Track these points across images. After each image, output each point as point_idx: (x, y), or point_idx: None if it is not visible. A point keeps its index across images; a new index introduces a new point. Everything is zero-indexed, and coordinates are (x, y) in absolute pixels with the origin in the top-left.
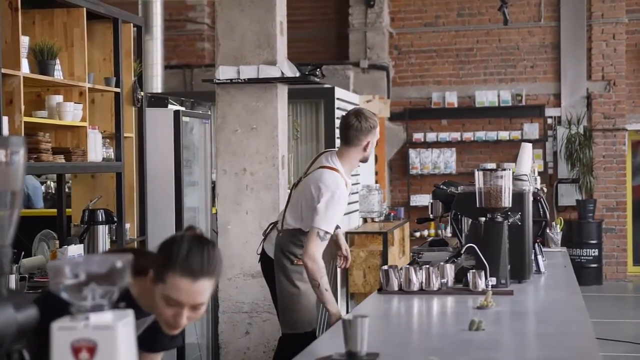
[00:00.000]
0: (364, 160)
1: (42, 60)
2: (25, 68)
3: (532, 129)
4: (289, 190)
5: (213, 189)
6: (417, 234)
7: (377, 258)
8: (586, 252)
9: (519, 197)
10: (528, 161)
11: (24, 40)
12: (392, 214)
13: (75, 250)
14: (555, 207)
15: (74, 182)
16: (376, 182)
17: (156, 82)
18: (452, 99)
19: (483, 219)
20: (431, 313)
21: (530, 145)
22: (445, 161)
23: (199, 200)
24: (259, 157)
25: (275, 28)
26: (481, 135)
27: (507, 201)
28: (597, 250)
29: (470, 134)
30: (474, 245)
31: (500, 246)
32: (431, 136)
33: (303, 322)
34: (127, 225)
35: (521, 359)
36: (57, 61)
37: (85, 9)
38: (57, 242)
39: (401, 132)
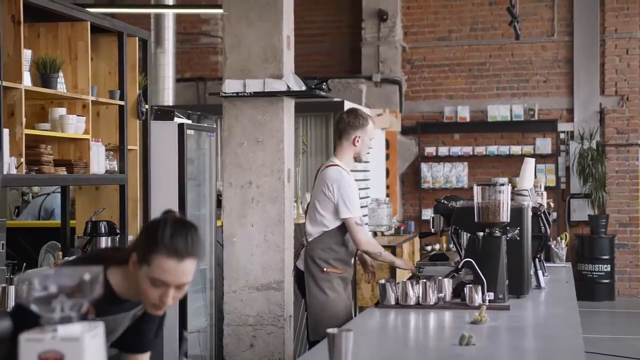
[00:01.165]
0: (357, 157)
1: (44, 73)
2: (27, 81)
3: (544, 144)
4: (304, 213)
5: (218, 201)
6: (429, 248)
7: (386, 272)
8: (598, 267)
9: (517, 212)
10: (530, 176)
11: (27, 54)
12: (401, 227)
13: None
14: (568, 222)
15: (78, 194)
16: (387, 195)
17: (167, 95)
18: (464, 113)
19: (481, 233)
20: (424, 327)
21: (532, 160)
22: (457, 175)
23: (203, 212)
24: (264, 170)
25: (282, 42)
26: (493, 149)
27: (505, 216)
28: (609, 265)
29: (483, 148)
30: (471, 260)
31: (498, 261)
32: (443, 150)
33: (331, 327)
34: (131, 237)
35: None
36: (61, 74)
37: (89, 22)
38: (61, 253)
39: (413, 146)
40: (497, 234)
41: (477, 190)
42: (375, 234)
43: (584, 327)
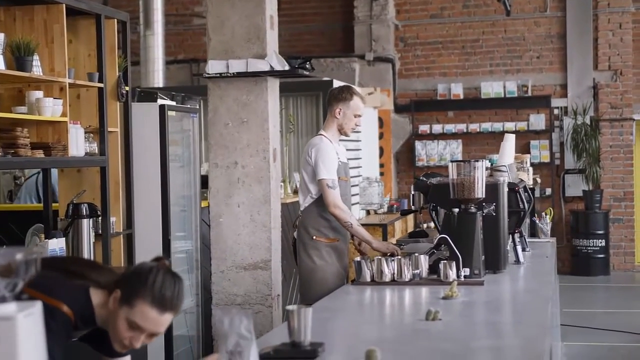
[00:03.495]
0: (342, 130)
1: (19, 56)
2: (0, 64)
3: (538, 120)
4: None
5: (202, 182)
6: (424, 225)
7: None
8: (593, 242)
9: (493, 188)
10: (510, 152)
11: (0, 37)
12: (394, 205)
13: (56, 243)
14: (562, 198)
15: (60, 177)
16: (382, 174)
17: (157, 77)
18: (457, 90)
19: (456, 210)
20: (396, 304)
21: (512, 136)
22: (451, 153)
23: (187, 193)
24: (250, 150)
25: (265, 22)
26: (487, 126)
27: (480, 192)
28: (604, 240)
29: (476, 125)
30: (446, 236)
31: (473, 237)
32: (437, 128)
33: (319, 295)
34: (114, 219)
35: (466, 348)
36: (36, 57)
37: (64, 5)
38: (43, 235)
39: (407, 124)
40: (473, 210)
41: (451, 166)
42: (367, 213)
43: (579, 302)
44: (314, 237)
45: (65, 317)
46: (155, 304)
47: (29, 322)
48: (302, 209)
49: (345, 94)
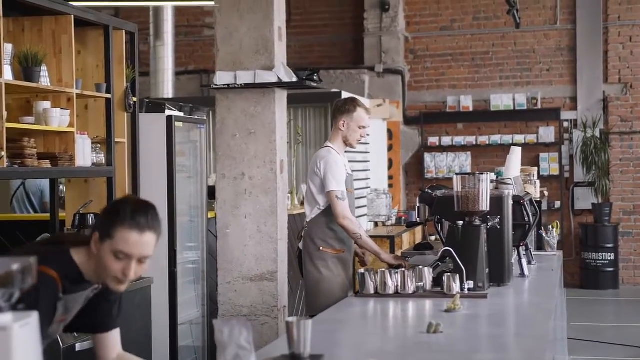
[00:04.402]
0: (347, 142)
1: (27, 67)
2: (8, 75)
3: (547, 133)
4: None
5: (209, 193)
6: (433, 238)
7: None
8: (602, 256)
9: (498, 201)
10: (516, 165)
11: (8, 48)
12: (403, 217)
13: None
14: (572, 211)
15: (67, 187)
16: (391, 186)
17: (167, 88)
18: (467, 102)
19: (461, 222)
20: (398, 316)
21: (519, 149)
22: (460, 165)
23: (194, 204)
24: (257, 161)
25: (273, 33)
26: (496, 139)
27: (484, 205)
28: (613, 254)
29: (486, 137)
30: (450, 249)
31: (478, 250)
32: (446, 140)
33: (325, 306)
34: None
35: None
36: (44, 68)
37: (73, 16)
38: None
39: (416, 136)
40: (477, 222)
41: (456, 179)
42: (375, 225)
43: (588, 315)
44: (321, 248)
45: (51, 279)
46: (133, 227)
47: (24, 332)
48: (308, 220)
49: (349, 105)
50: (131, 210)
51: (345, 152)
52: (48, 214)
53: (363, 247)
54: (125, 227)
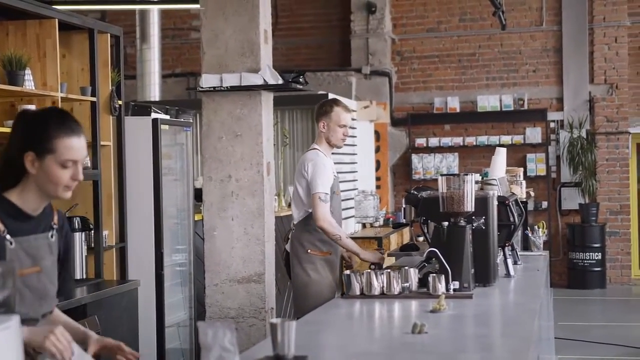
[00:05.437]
0: (331, 143)
1: (11, 70)
2: None
3: (534, 133)
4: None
5: (196, 196)
6: (421, 239)
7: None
8: (589, 255)
9: (483, 201)
10: (501, 166)
11: None
12: (390, 219)
13: None
14: (559, 211)
15: None
16: (378, 187)
17: (154, 91)
18: (454, 104)
19: (446, 223)
20: (383, 317)
21: (504, 150)
22: (447, 166)
23: (181, 207)
24: (244, 164)
25: (259, 36)
26: (483, 140)
27: (469, 206)
28: (600, 253)
29: (473, 138)
30: (435, 250)
31: (463, 250)
32: (433, 141)
33: (314, 308)
34: (106, 232)
35: None
36: (28, 71)
37: (57, 20)
38: None
39: (404, 138)
40: (462, 223)
41: (441, 180)
42: (363, 226)
43: (575, 315)
44: (309, 251)
45: None
46: (70, 134)
47: (5, 336)
48: (295, 222)
49: (326, 107)
50: (60, 120)
51: (332, 153)
52: None
53: (344, 248)
54: (63, 136)
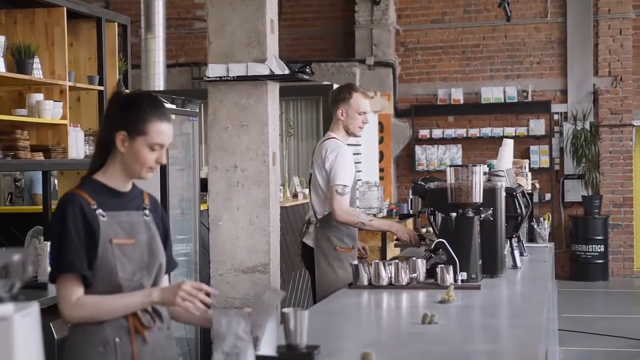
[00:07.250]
0: (348, 131)
1: (19, 59)
2: (0, 67)
3: (538, 125)
4: (308, 187)
5: (201, 186)
6: (424, 230)
7: (376, 254)
8: (592, 248)
9: (491, 192)
10: (508, 157)
11: (0, 40)
12: (394, 210)
13: None
14: (562, 203)
15: (59, 179)
16: (382, 178)
17: (158, 80)
18: (458, 95)
19: (454, 214)
20: (392, 307)
21: (511, 141)
22: (451, 157)
23: (186, 197)
24: (249, 153)
25: (265, 26)
26: (487, 131)
27: (477, 197)
28: (603, 246)
29: (476, 130)
30: (443, 241)
31: (471, 241)
32: (437, 133)
33: None
34: None
35: (461, 351)
36: (36, 60)
37: (65, 8)
38: (42, 238)
39: (407, 129)
40: (470, 214)
41: (449, 171)
42: None
43: (578, 307)
44: (337, 248)
45: (73, 194)
46: (162, 119)
47: (25, 322)
48: (319, 216)
49: (344, 93)
50: (154, 104)
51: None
52: (40, 207)
53: (376, 230)
54: (156, 120)
